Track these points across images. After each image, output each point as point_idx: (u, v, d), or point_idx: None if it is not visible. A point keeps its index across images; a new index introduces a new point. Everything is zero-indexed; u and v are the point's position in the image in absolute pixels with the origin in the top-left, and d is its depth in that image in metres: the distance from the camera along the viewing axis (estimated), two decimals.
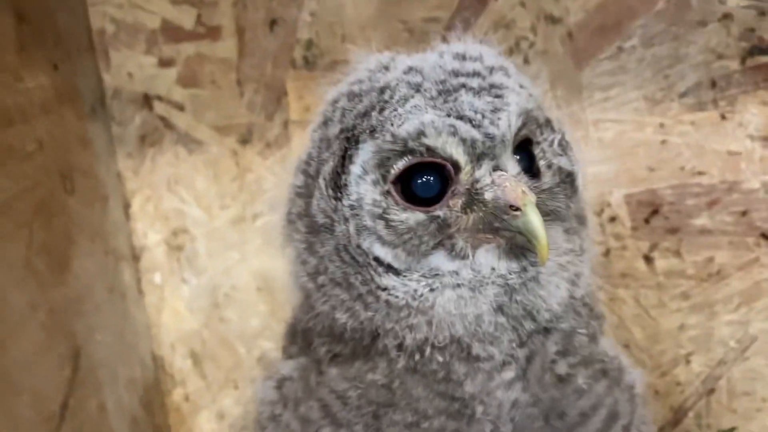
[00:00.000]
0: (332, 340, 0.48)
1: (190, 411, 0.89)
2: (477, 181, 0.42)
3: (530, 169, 0.45)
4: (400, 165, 0.43)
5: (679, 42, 0.73)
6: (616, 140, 0.76)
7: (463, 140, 0.41)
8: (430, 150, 0.42)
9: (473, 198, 0.43)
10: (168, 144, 0.83)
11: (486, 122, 0.42)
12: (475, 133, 0.41)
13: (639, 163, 0.76)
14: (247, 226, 0.84)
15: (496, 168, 0.42)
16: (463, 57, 0.45)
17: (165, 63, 0.82)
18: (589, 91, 0.75)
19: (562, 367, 0.47)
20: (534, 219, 0.40)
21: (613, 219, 0.77)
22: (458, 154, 0.42)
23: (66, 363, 0.72)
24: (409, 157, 0.43)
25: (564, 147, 0.48)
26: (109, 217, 0.82)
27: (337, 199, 0.44)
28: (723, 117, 0.73)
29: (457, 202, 0.43)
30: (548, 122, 0.48)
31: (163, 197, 0.85)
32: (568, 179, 0.47)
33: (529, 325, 0.45)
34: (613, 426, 0.48)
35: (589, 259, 0.49)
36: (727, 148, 0.74)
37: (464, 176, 0.43)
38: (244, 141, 0.82)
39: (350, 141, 0.44)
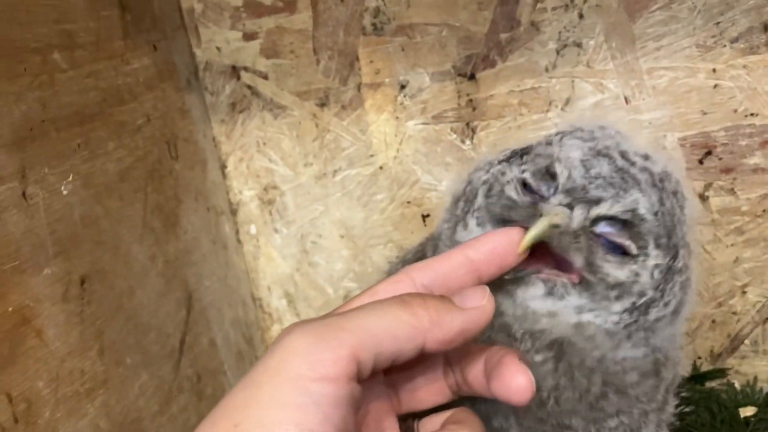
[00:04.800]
0: None
1: None
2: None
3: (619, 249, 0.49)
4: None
5: None
6: (669, 87, 0.79)
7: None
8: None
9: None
10: (255, 110, 0.92)
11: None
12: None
13: (692, 107, 0.80)
14: (328, 181, 0.93)
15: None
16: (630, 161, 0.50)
17: (249, 37, 0.90)
18: (642, 41, 0.79)
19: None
20: (542, 220, 0.47)
21: None
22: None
23: (182, 306, 0.83)
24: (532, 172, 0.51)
25: (660, 270, 0.50)
26: (208, 177, 0.92)
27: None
28: None
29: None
30: (660, 245, 0.50)
31: (253, 157, 0.94)
32: (616, 287, 0.50)
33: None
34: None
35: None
36: None
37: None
38: (322, 104, 0.90)
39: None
